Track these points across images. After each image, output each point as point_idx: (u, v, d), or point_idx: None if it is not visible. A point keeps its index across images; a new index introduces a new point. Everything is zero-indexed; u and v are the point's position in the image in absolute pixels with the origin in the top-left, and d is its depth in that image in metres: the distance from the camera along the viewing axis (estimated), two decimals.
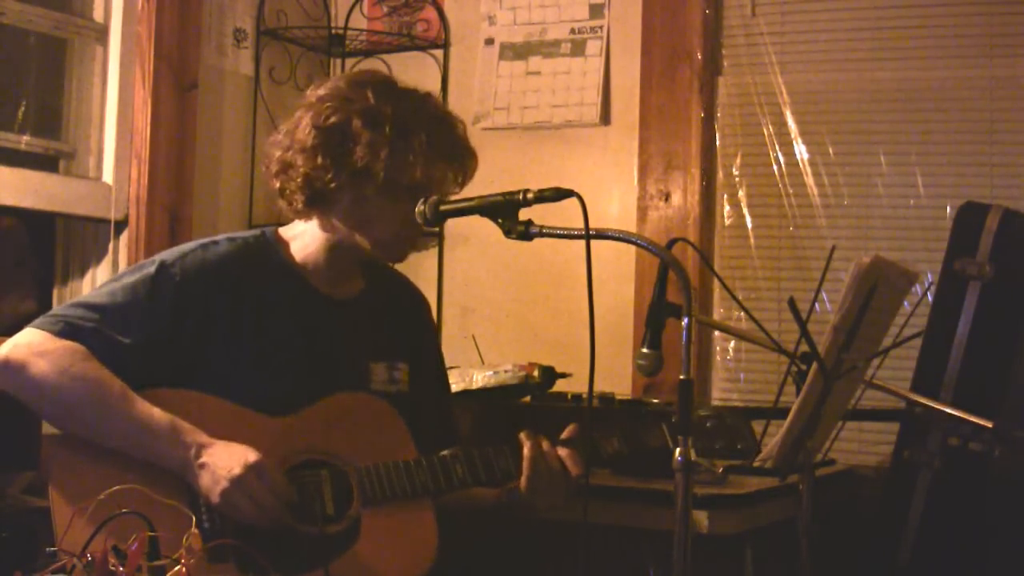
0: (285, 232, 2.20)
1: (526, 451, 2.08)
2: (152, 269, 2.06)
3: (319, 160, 2.06)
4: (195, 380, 2.02)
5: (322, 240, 2.15)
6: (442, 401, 2.39)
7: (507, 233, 1.86)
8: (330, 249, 2.15)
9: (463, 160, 2.15)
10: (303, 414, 2.05)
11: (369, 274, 2.26)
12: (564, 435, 2.16)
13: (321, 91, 2.12)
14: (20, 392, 1.96)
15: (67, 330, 1.98)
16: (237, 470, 1.89)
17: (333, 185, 2.07)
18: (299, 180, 2.08)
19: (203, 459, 1.91)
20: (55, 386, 1.93)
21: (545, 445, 2.10)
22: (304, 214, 2.15)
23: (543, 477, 2.08)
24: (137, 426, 1.93)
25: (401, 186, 2.05)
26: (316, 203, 2.11)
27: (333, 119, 2.06)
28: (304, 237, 2.17)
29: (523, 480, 2.08)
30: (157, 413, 1.94)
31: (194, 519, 1.66)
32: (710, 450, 2.19)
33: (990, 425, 2.27)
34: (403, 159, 2.05)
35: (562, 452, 2.11)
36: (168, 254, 2.11)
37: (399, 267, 3.56)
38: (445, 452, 2.09)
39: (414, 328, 2.34)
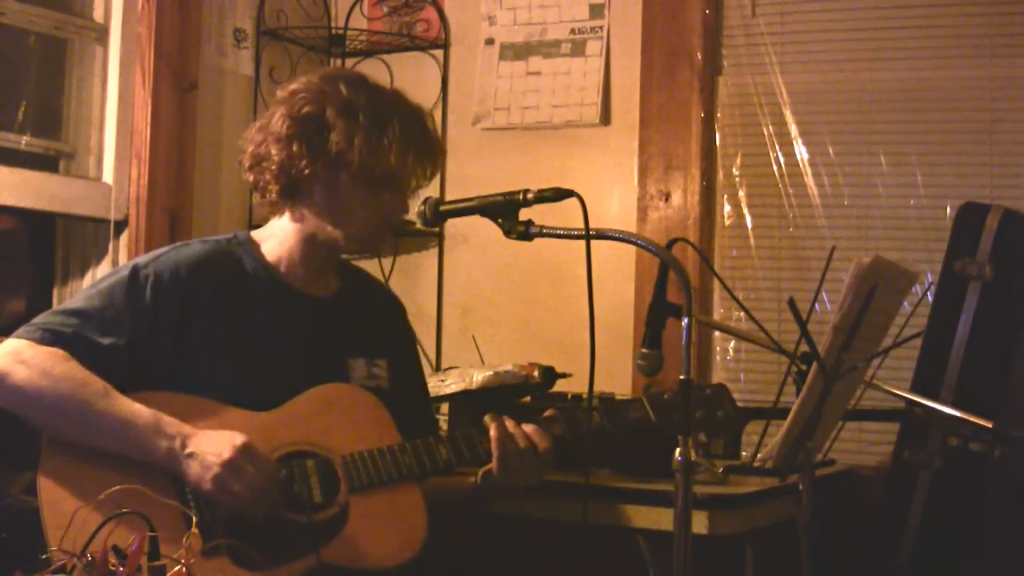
0: (257, 234, 2.23)
1: (492, 432, 2.09)
2: (126, 272, 2.09)
3: (293, 148, 2.09)
4: (176, 381, 2.04)
5: (295, 236, 2.17)
6: (422, 399, 2.40)
7: (507, 233, 1.86)
8: (304, 243, 2.17)
9: (433, 152, 2.18)
10: (285, 408, 2.06)
11: (344, 275, 2.28)
12: (543, 416, 2.17)
13: (294, 86, 2.16)
14: (4, 400, 1.97)
15: (48, 337, 2.00)
16: (227, 454, 1.90)
17: (307, 171, 2.09)
18: (274, 169, 2.11)
19: (190, 448, 1.92)
20: (37, 389, 1.94)
21: (510, 425, 2.10)
22: (278, 207, 2.18)
23: (513, 456, 2.09)
24: (120, 421, 1.94)
25: (374, 175, 2.08)
26: (290, 193, 2.14)
27: (307, 109, 2.10)
28: (277, 235, 2.19)
29: (494, 462, 2.09)
30: (139, 408, 1.95)
31: (194, 519, 1.66)
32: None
33: (990, 425, 2.28)
34: (377, 146, 2.08)
35: (527, 428, 2.11)
36: (141, 258, 2.15)
37: (399, 267, 3.58)
38: (428, 437, 2.11)
39: (393, 328, 2.36)
